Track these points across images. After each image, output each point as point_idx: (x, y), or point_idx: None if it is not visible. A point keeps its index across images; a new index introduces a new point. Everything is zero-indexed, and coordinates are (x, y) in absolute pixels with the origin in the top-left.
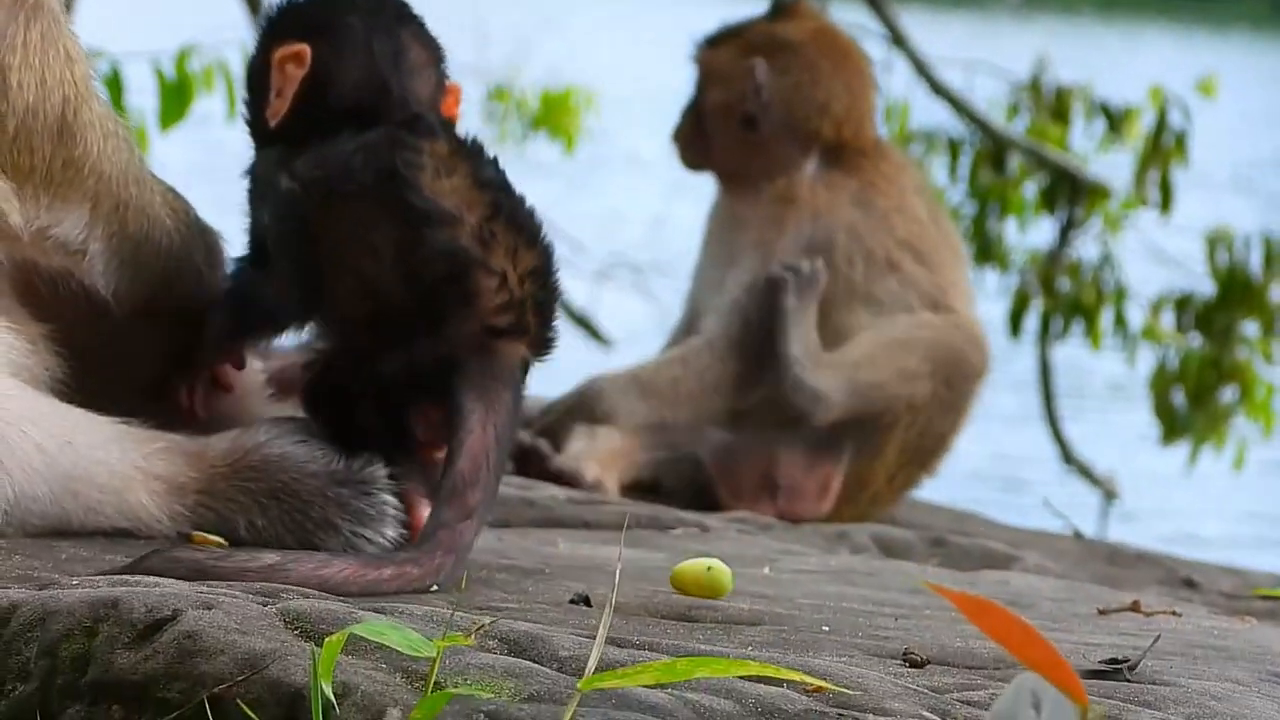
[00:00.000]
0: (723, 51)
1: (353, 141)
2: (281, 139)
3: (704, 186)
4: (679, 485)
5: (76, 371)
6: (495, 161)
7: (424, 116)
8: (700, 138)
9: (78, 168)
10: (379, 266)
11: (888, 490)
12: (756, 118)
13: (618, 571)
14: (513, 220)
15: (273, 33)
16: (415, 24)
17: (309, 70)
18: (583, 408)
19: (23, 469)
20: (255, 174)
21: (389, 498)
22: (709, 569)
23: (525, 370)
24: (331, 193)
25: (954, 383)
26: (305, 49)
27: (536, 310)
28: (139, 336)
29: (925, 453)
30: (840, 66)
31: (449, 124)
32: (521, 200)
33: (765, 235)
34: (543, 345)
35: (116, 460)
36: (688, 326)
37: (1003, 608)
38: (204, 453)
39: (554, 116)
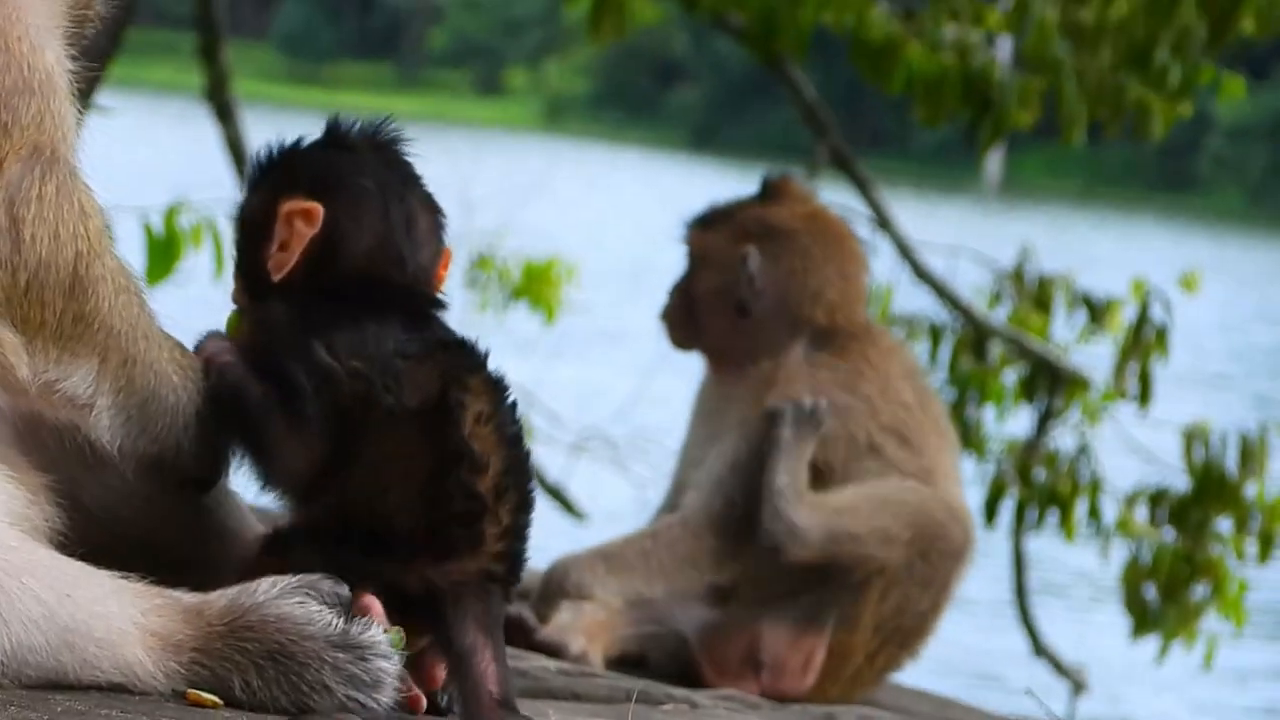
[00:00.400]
0: (714, 235)
1: (393, 338)
2: (284, 292)
3: (683, 362)
4: (664, 659)
5: (79, 525)
6: (514, 408)
7: (468, 344)
8: (689, 318)
9: (88, 323)
10: (404, 486)
11: (869, 669)
12: (748, 304)
13: None
14: (519, 476)
15: (279, 182)
16: (422, 188)
17: (320, 230)
18: (550, 586)
19: (21, 620)
20: (273, 322)
21: (386, 664)
22: None
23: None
24: (372, 398)
25: (932, 558)
26: (317, 208)
27: (522, 560)
28: (144, 495)
29: (905, 632)
30: (833, 252)
31: (478, 350)
32: (526, 454)
33: (750, 414)
34: (514, 592)
35: (114, 615)
36: (671, 503)
37: None
38: (202, 610)
39: (535, 287)
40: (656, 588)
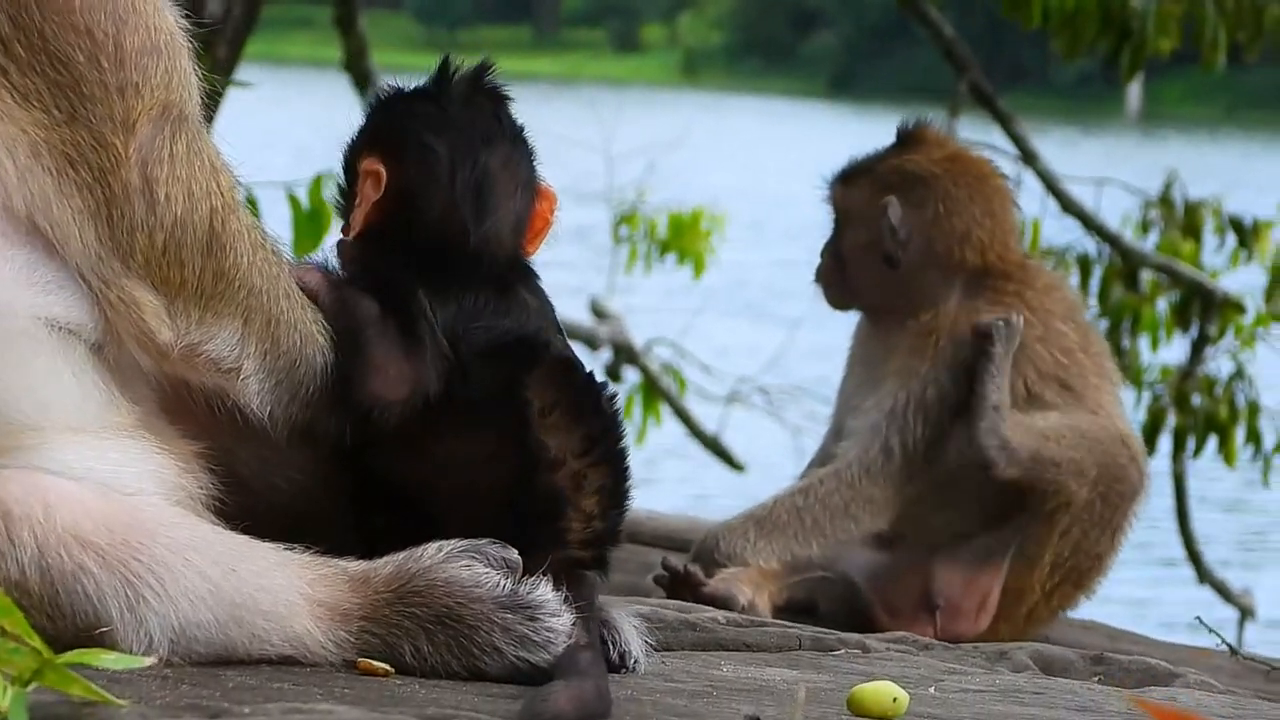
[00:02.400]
0: (855, 190)
1: (463, 324)
2: (365, 244)
3: (832, 313)
4: (833, 606)
5: (235, 492)
6: (589, 382)
7: (529, 336)
8: (842, 277)
9: (229, 280)
10: (482, 483)
11: (1045, 607)
12: (894, 255)
13: (801, 691)
14: (603, 450)
15: (365, 137)
16: (506, 145)
17: (384, 193)
18: (704, 556)
19: (188, 597)
20: (381, 265)
21: (556, 622)
22: (895, 700)
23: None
24: (451, 396)
25: (1111, 498)
26: (382, 172)
27: (612, 536)
28: (299, 464)
29: (1081, 571)
30: (977, 191)
31: (551, 337)
32: (610, 416)
33: (909, 363)
34: (609, 565)
35: (281, 587)
36: (826, 452)
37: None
38: (369, 578)
39: (683, 240)
40: (813, 545)
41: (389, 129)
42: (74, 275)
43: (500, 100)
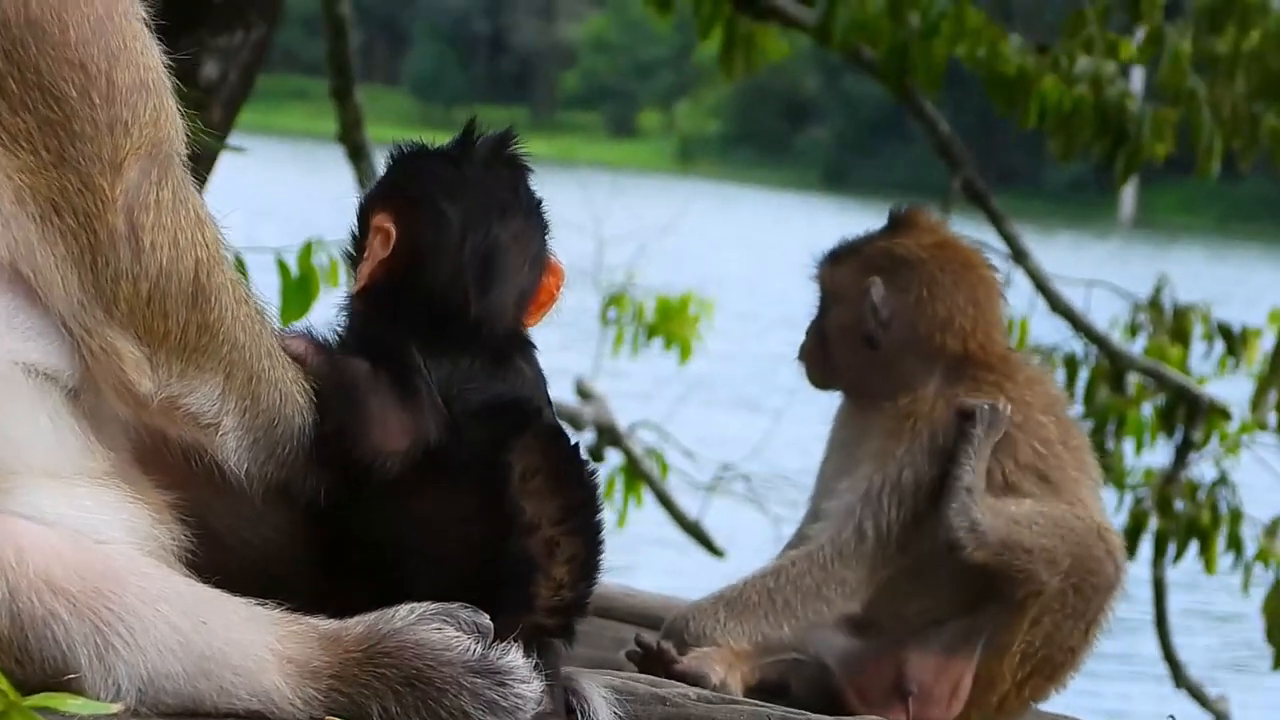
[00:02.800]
0: (841, 270)
1: (458, 385)
2: (368, 299)
3: (818, 401)
4: (805, 688)
5: (209, 545)
6: (574, 454)
7: (522, 399)
8: (824, 356)
9: (212, 334)
10: (456, 541)
11: (1016, 698)
12: (875, 336)
13: None
14: (579, 521)
15: (381, 190)
16: (518, 215)
17: (393, 251)
18: (673, 636)
19: (157, 647)
20: (377, 319)
21: (525, 689)
22: None
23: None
24: (437, 454)
25: (1085, 591)
26: (391, 231)
27: (579, 606)
28: (273, 523)
29: (1053, 664)
30: (963, 279)
31: (538, 406)
32: (589, 489)
33: (886, 446)
34: (574, 634)
35: (251, 642)
36: (801, 535)
37: None
38: (339, 636)
39: (670, 325)
40: (784, 626)
41: (404, 187)
42: (55, 322)
43: (520, 170)
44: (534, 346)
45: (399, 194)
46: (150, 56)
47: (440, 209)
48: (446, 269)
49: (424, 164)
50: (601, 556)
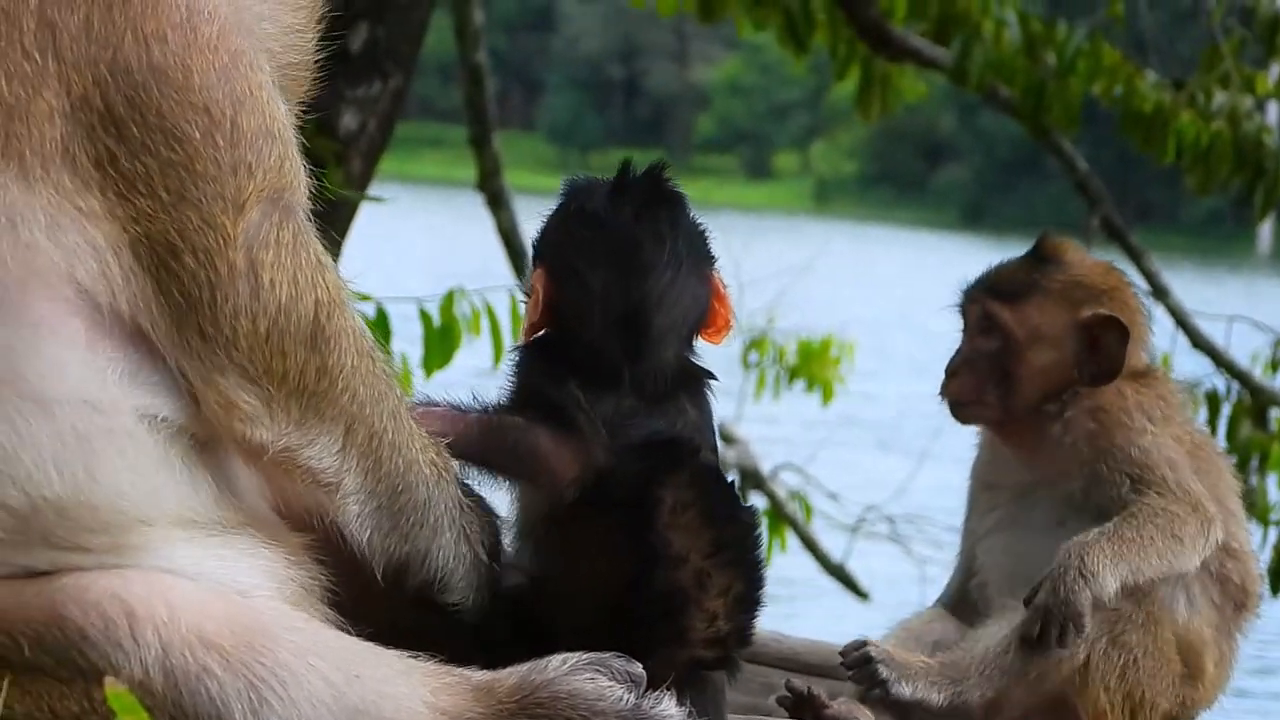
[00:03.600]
0: (1036, 309)
1: (614, 424)
2: (532, 350)
3: (963, 437)
4: None
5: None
6: (728, 492)
7: (678, 438)
8: (1005, 394)
9: (332, 379)
10: (605, 579)
11: None
12: (1095, 373)
13: None
14: (732, 555)
15: (540, 241)
16: (668, 264)
17: (543, 310)
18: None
19: (310, 702)
20: (532, 366)
21: None
22: None
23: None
24: (585, 495)
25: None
26: (540, 290)
27: (739, 638)
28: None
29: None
30: (1135, 300)
31: (693, 446)
32: (745, 525)
33: (1044, 474)
34: (737, 666)
35: (404, 695)
36: (964, 576)
37: None
38: (493, 688)
39: (811, 366)
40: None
41: (553, 244)
42: (175, 375)
43: (673, 204)
44: (707, 380)
45: (548, 251)
46: (275, 106)
47: (580, 272)
48: (595, 329)
49: (571, 220)
50: (760, 590)
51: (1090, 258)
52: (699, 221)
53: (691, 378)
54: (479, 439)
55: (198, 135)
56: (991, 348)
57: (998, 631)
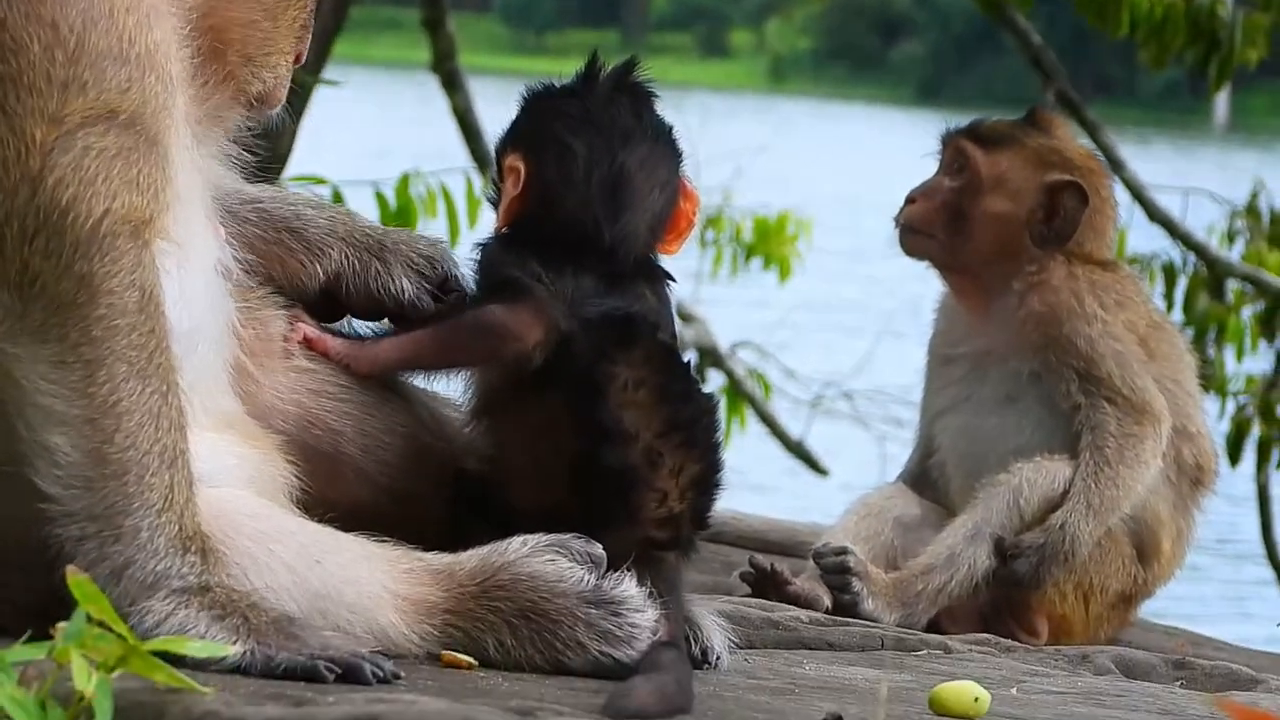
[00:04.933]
0: (1005, 159)
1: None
2: (507, 238)
3: (923, 315)
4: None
5: (343, 483)
6: (684, 371)
7: (635, 316)
8: (954, 233)
9: (92, 296)
10: (553, 459)
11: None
12: (1046, 237)
13: (884, 688)
14: (685, 434)
15: (511, 131)
16: (643, 142)
17: (523, 188)
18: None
19: (271, 588)
20: (491, 253)
21: (640, 618)
22: (976, 699)
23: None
24: (539, 372)
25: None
26: (521, 169)
27: (694, 519)
28: (396, 448)
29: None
30: (1111, 190)
31: (652, 319)
32: (701, 407)
33: (995, 345)
34: (692, 547)
35: (365, 580)
36: (923, 454)
37: None
38: (453, 572)
39: (768, 244)
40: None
41: (531, 127)
42: None
43: (644, 98)
44: (666, 277)
45: (526, 133)
46: (146, 35)
47: (565, 142)
48: (576, 199)
49: (547, 103)
50: (716, 473)
51: (1077, 140)
52: (668, 122)
53: (652, 270)
54: (439, 344)
55: (36, 48)
56: (956, 184)
57: (950, 561)
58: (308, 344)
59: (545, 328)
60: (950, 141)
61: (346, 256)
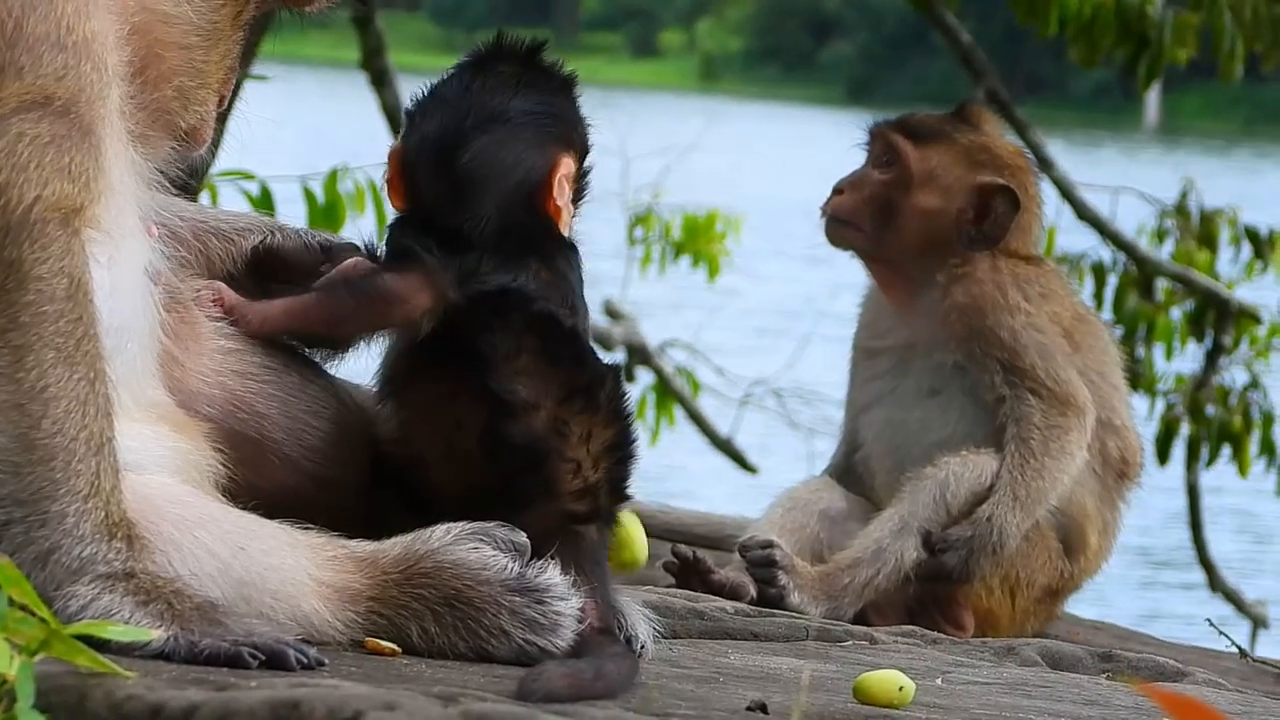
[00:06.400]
0: (936, 154)
1: (471, 284)
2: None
3: (848, 314)
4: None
5: (268, 469)
6: (570, 337)
7: (511, 290)
8: (880, 225)
9: (20, 281)
10: (456, 439)
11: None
12: (975, 238)
13: (806, 675)
14: (586, 398)
15: (403, 120)
16: (499, 119)
17: (395, 172)
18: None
19: (195, 575)
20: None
21: (564, 606)
22: (900, 689)
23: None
24: (425, 350)
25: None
26: (394, 154)
27: (612, 489)
28: (324, 427)
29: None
30: (1037, 188)
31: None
32: (599, 372)
33: (920, 337)
34: (613, 520)
35: (289, 567)
36: (848, 449)
37: (1211, 708)
38: (376, 559)
39: (697, 242)
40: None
41: (409, 111)
42: None
43: (512, 76)
44: (568, 251)
45: (406, 118)
46: (85, 24)
47: (414, 125)
48: (424, 178)
49: (422, 92)
50: (629, 438)
51: (1006, 137)
52: (571, 107)
53: (544, 242)
54: (328, 307)
55: None
56: (885, 178)
57: (877, 554)
58: (218, 301)
59: (433, 295)
60: (879, 134)
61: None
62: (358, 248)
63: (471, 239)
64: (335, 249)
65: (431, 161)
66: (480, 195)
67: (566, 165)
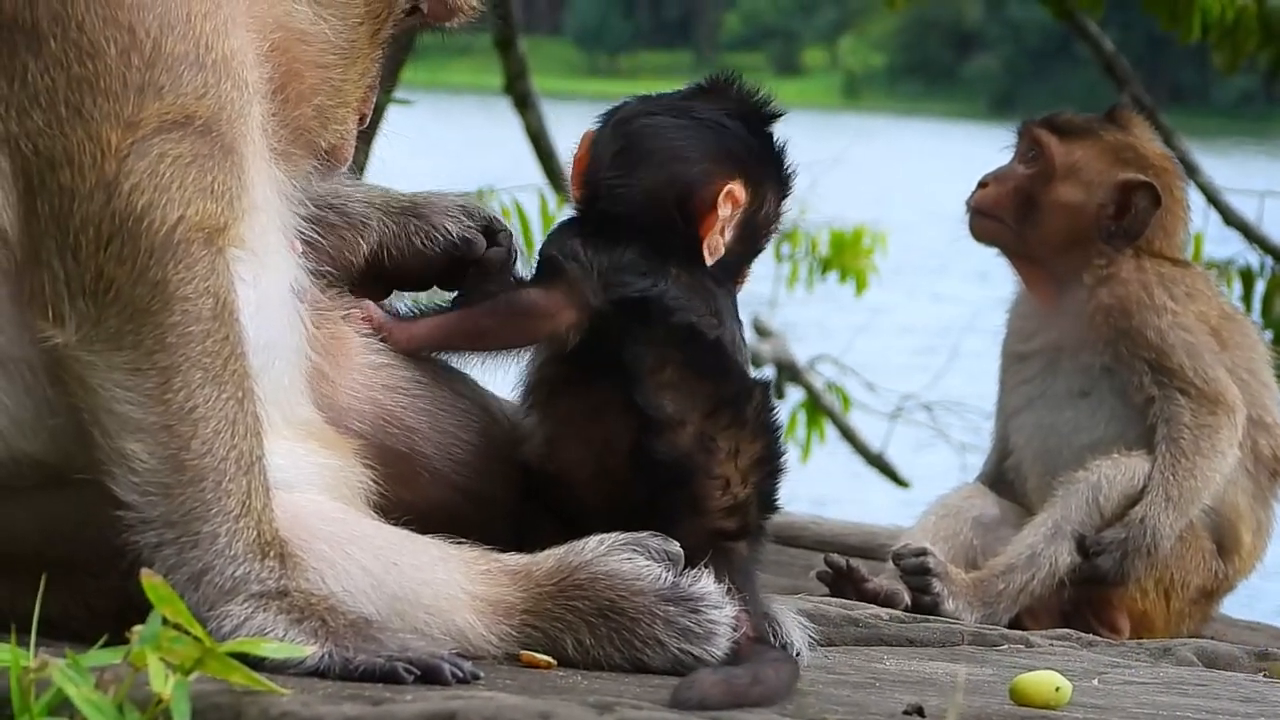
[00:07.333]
0: (1080, 149)
1: (618, 281)
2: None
3: (998, 325)
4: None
5: (423, 484)
6: (717, 347)
7: (653, 297)
8: (1023, 219)
9: (166, 302)
10: (607, 450)
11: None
12: (1116, 234)
13: (961, 677)
14: (735, 415)
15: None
16: (674, 122)
17: (584, 153)
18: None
19: (348, 591)
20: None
21: (718, 614)
22: (1057, 689)
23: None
24: (579, 351)
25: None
26: (588, 133)
27: (761, 504)
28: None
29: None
30: (1184, 192)
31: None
32: (747, 387)
33: (1067, 339)
34: (763, 534)
35: (442, 581)
36: (1000, 455)
37: None
38: (530, 572)
39: (844, 257)
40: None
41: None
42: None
43: (736, 102)
44: (711, 270)
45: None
46: (223, 42)
47: (616, 111)
48: (606, 148)
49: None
50: (778, 453)
51: (1155, 140)
52: (767, 146)
53: (686, 248)
54: (474, 324)
55: (113, 52)
56: (1029, 171)
57: (1031, 560)
58: (366, 319)
59: (578, 307)
60: (1026, 130)
61: (384, 224)
62: (498, 233)
63: (622, 228)
64: (474, 244)
65: (617, 134)
66: (646, 173)
67: (737, 188)
